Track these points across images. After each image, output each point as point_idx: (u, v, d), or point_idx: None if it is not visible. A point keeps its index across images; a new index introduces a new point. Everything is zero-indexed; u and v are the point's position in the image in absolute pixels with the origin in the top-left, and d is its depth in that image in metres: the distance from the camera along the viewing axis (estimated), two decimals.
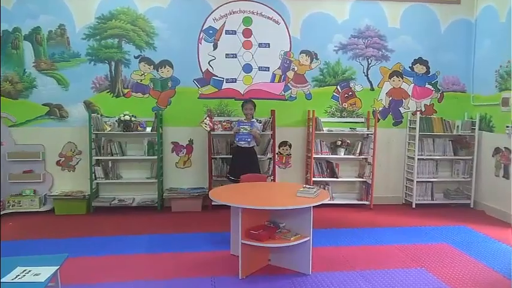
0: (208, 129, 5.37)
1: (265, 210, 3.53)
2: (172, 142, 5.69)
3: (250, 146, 5.17)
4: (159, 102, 5.60)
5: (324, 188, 5.50)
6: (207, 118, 5.37)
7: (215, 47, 5.61)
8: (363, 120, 5.89)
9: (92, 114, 5.34)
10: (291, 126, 5.80)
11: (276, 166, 5.73)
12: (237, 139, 5.14)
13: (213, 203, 5.28)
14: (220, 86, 5.67)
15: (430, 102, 6.01)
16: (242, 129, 5.08)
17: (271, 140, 5.59)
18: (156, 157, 5.44)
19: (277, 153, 5.77)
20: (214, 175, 5.53)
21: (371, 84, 5.90)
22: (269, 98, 5.72)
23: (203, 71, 5.62)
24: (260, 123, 5.48)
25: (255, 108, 5.26)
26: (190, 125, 5.62)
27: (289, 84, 5.77)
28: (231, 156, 5.39)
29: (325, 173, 5.74)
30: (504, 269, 3.60)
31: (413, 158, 5.78)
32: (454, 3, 5.85)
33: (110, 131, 5.39)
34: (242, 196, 3.69)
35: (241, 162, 5.08)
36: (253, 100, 5.35)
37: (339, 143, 5.66)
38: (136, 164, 5.59)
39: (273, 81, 5.74)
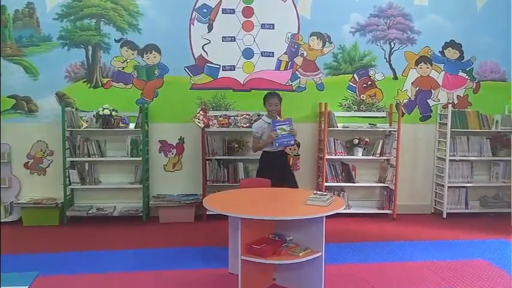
0: (202, 125, 5.38)
1: (269, 220, 3.52)
2: (159, 141, 5.71)
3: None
4: (144, 93, 5.62)
5: (339, 195, 5.51)
6: (201, 112, 5.38)
7: (210, 28, 5.62)
8: (384, 114, 5.89)
9: (66, 108, 5.36)
10: (300, 121, 5.79)
11: None
12: (277, 144, 4.70)
13: (207, 213, 5.32)
14: (216, 74, 5.68)
15: (464, 93, 6.00)
16: (280, 131, 4.66)
17: None
18: (140, 158, 5.46)
19: None
20: (209, 179, 5.55)
21: (394, 72, 5.90)
22: (274, 89, 5.71)
23: (196, 57, 5.63)
24: None
25: (280, 103, 4.90)
26: (180, 121, 5.64)
27: (297, 72, 5.78)
28: (259, 163, 4.95)
29: (340, 177, 5.74)
30: None
31: (444, 160, 5.78)
32: None
33: (86, 127, 5.40)
34: (242, 204, 3.69)
35: (274, 171, 4.65)
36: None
37: (356, 141, 5.67)
38: (117, 167, 5.61)
39: (278, 68, 5.75)
